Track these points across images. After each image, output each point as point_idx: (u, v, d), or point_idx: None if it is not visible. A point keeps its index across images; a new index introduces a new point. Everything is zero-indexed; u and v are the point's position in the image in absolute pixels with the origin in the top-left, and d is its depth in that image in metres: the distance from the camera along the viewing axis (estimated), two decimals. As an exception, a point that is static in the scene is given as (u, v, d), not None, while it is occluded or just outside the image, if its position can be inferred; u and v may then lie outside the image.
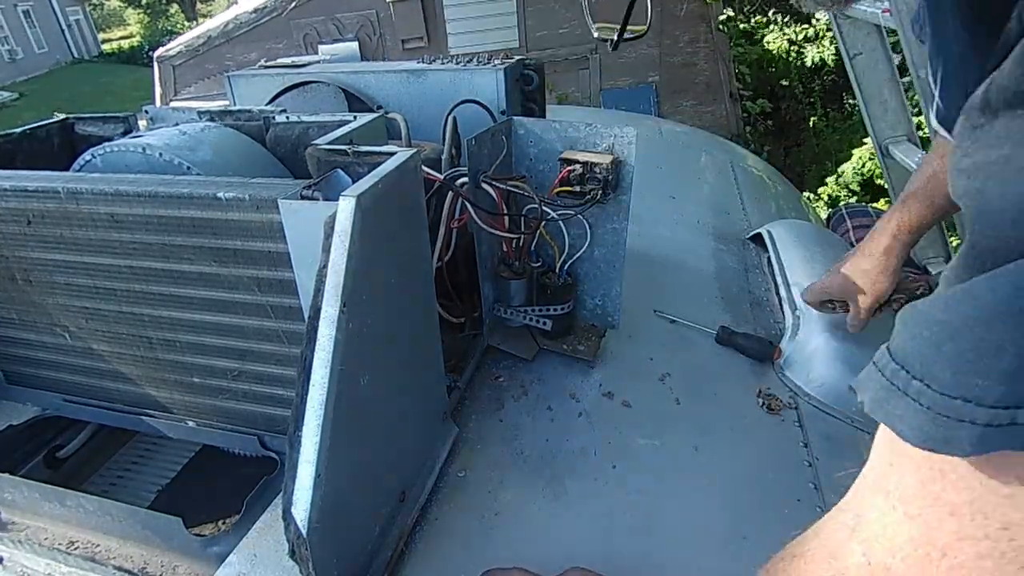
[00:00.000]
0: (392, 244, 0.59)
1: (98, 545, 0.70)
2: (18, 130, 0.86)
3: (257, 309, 0.67)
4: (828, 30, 6.45)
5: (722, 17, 6.31)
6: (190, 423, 0.80)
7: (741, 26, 7.33)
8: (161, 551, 0.68)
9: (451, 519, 0.71)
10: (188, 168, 0.71)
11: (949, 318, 0.29)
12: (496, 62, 1.05)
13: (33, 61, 17.78)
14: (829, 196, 5.98)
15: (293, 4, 5.86)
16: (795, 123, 7.63)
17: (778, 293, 1.19)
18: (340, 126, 0.74)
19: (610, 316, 0.98)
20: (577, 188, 0.82)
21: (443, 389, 0.79)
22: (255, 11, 5.94)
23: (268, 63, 1.29)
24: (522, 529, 0.71)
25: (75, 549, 0.70)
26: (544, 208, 0.85)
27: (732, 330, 1.02)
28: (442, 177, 0.80)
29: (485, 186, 0.81)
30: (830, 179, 6.03)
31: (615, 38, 0.85)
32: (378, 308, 0.56)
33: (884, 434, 0.34)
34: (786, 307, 1.11)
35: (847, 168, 5.81)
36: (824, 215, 3.11)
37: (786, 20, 7.30)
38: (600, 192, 0.81)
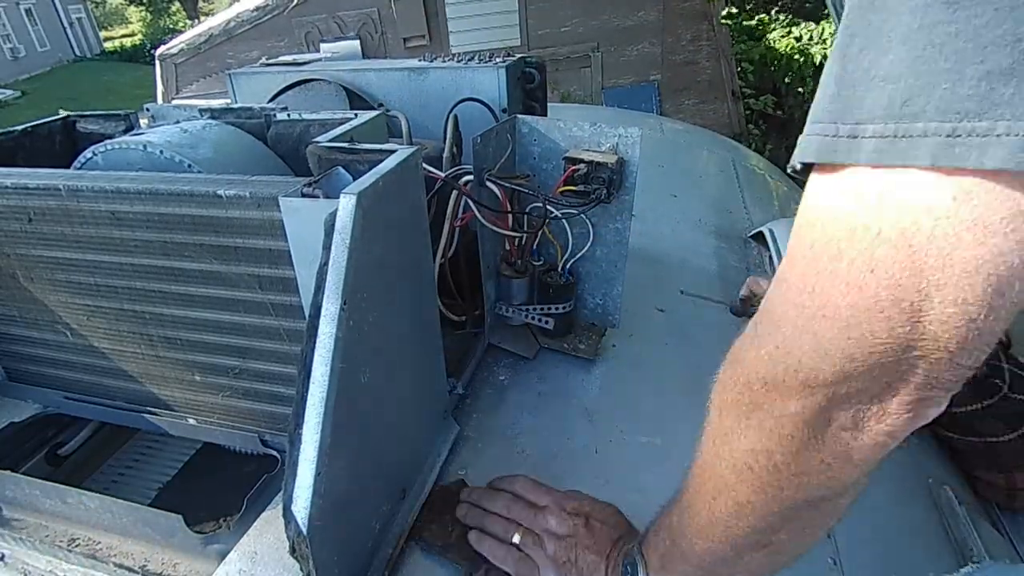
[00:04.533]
0: (393, 242, 0.59)
1: (99, 542, 0.70)
2: (19, 127, 0.86)
3: (258, 307, 0.67)
4: (833, 34, 6.43)
5: (724, 13, 6.28)
6: (191, 421, 0.80)
7: (744, 23, 7.30)
8: (162, 548, 0.68)
9: (452, 517, 0.71)
10: (189, 166, 0.71)
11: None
12: (498, 60, 1.05)
13: (35, 59, 17.78)
14: (831, 195, 5.94)
15: (295, 2, 5.86)
16: (798, 121, 7.61)
17: (780, 292, 1.19)
18: (341, 124, 0.74)
19: (611, 315, 0.97)
20: (581, 187, 0.82)
21: (444, 387, 0.79)
22: (257, 9, 5.94)
23: (269, 61, 1.29)
24: (523, 528, 0.71)
25: (76, 546, 0.70)
26: (548, 207, 0.84)
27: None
28: (444, 175, 0.80)
29: (490, 184, 0.81)
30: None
31: None
32: (379, 306, 0.56)
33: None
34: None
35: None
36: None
37: (788, 20, 7.28)
38: (604, 192, 0.81)
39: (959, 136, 0.27)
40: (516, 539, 0.64)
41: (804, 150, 0.33)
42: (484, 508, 0.69)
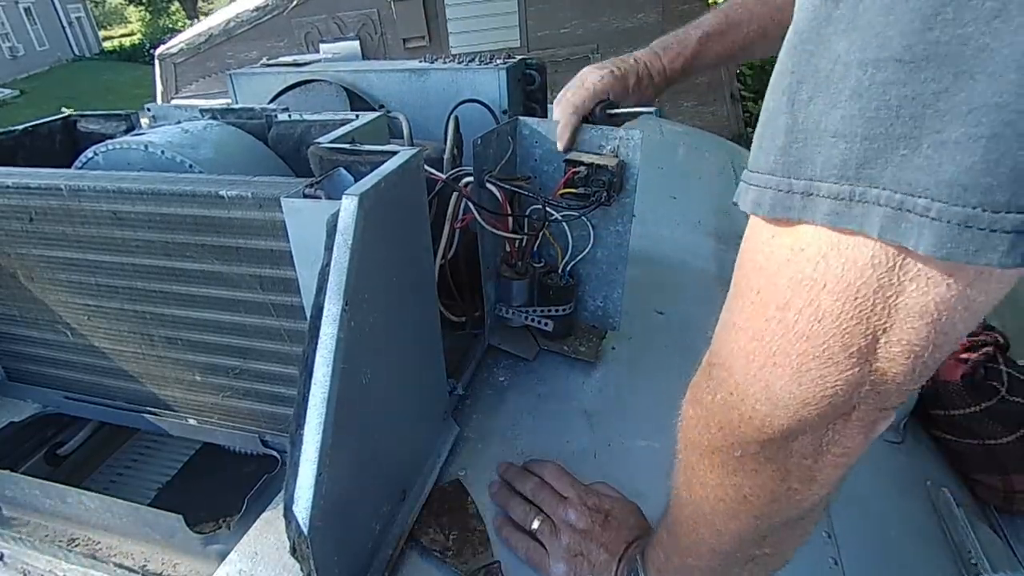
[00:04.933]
0: (394, 243, 0.59)
1: (99, 542, 0.70)
2: (20, 127, 0.86)
3: (259, 307, 0.67)
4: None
5: None
6: (191, 421, 0.80)
7: None
8: (162, 548, 0.68)
9: (452, 518, 0.71)
10: (190, 166, 0.71)
11: None
12: (498, 61, 1.05)
13: (34, 58, 17.75)
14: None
15: (294, 2, 5.86)
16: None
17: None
18: (342, 125, 0.74)
19: (611, 317, 0.97)
20: (582, 190, 0.82)
21: (444, 388, 0.79)
22: (256, 9, 5.93)
23: (270, 61, 1.29)
24: (523, 529, 0.71)
25: (76, 546, 0.70)
26: (548, 209, 0.85)
27: None
28: (444, 177, 0.80)
29: (490, 186, 0.81)
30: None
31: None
32: (380, 307, 0.56)
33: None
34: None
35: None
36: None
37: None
38: (605, 195, 0.81)
39: (908, 211, 0.26)
40: (535, 525, 0.66)
41: (757, 203, 0.33)
42: (514, 487, 0.72)
